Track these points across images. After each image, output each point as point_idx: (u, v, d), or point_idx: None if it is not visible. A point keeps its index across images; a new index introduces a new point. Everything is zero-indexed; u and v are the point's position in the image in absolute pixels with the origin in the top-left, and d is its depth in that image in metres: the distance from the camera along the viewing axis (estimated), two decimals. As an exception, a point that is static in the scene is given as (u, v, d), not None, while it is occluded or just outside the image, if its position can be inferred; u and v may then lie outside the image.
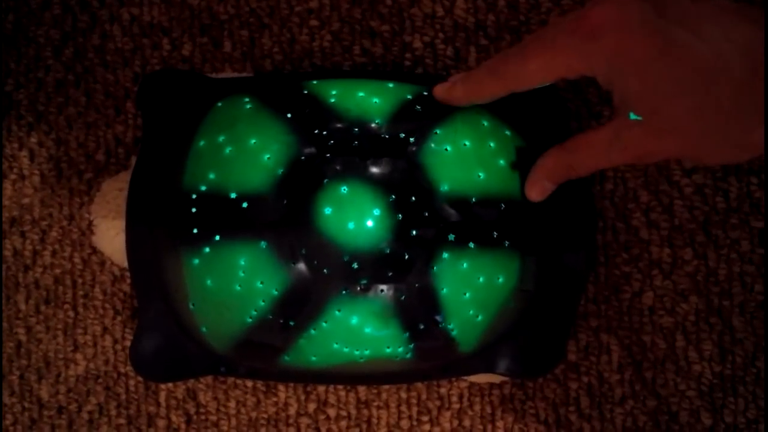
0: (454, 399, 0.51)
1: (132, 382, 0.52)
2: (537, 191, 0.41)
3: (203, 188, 0.41)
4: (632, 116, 0.34)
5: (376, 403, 0.51)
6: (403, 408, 0.51)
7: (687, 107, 0.33)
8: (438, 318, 0.41)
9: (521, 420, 0.50)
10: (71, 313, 0.52)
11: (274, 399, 0.51)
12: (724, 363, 0.49)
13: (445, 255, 0.39)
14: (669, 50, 0.32)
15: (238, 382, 0.51)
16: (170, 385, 0.52)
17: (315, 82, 0.44)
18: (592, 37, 0.34)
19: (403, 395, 0.51)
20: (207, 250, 0.40)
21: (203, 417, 0.51)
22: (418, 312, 0.40)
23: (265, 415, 0.51)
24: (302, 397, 0.51)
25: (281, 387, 0.51)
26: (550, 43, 0.36)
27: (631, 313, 0.50)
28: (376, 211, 0.38)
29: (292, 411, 0.51)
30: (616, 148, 0.36)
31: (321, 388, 0.51)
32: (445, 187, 0.40)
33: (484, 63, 0.39)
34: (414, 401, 0.51)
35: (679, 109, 0.33)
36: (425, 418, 0.51)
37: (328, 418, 0.51)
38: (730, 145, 0.34)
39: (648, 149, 0.35)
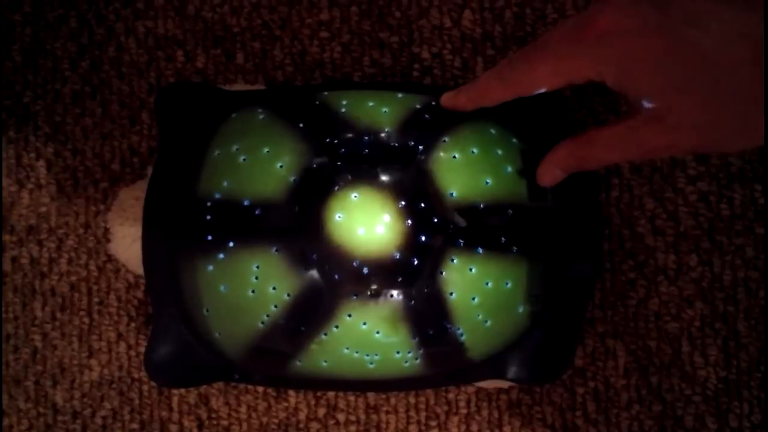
0: (462, 404, 0.51)
1: (145, 388, 0.53)
2: (548, 178, 0.41)
3: (218, 196, 0.42)
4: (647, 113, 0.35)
5: (384, 408, 0.52)
6: (412, 413, 0.51)
7: (700, 102, 0.34)
8: (447, 323, 0.41)
9: (528, 425, 0.51)
10: (86, 320, 0.53)
11: (285, 404, 0.52)
12: (729, 368, 0.50)
13: (454, 260, 0.40)
14: (676, 49, 0.33)
15: (249, 387, 0.52)
16: (183, 390, 0.52)
17: (326, 93, 0.44)
18: (600, 43, 0.35)
19: (412, 400, 0.51)
20: (221, 256, 0.41)
21: (215, 422, 0.52)
22: (428, 317, 0.41)
23: (276, 420, 0.52)
24: (312, 402, 0.52)
25: (291, 392, 0.52)
26: (557, 50, 0.36)
27: (636, 319, 0.50)
28: (386, 218, 0.39)
29: (302, 416, 0.52)
30: (632, 144, 0.37)
31: (331, 393, 0.52)
32: (453, 194, 0.40)
33: (491, 69, 0.40)
34: (422, 406, 0.51)
35: (692, 105, 0.34)
36: (433, 423, 0.51)
37: (337, 423, 0.52)
38: (744, 133, 0.34)
39: (664, 144, 0.36)
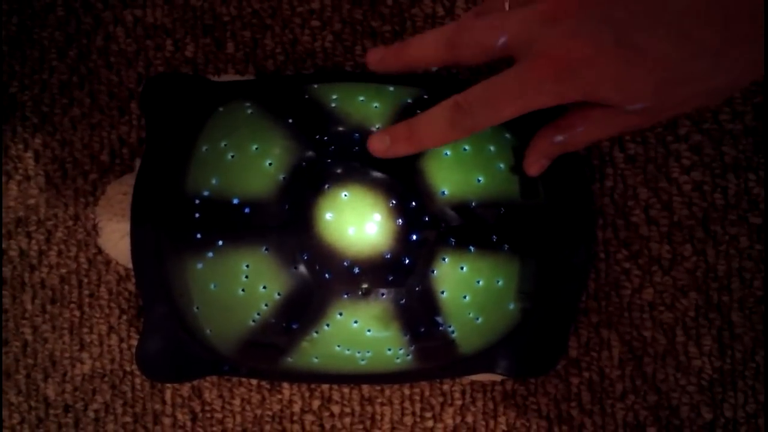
0: (457, 395, 0.51)
1: (138, 381, 0.52)
2: (536, 169, 0.41)
3: (206, 193, 0.41)
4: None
5: (379, 400, 0.51)
6: (407, 404, 0.51)
7: (674, 95, 0.34)
8: (438, 320, 0.41)
9: (523, 416, 0.51)
10: (77, 313, 0.53)
11: (279, 396, 0.52)
12: (723, 358, 0.50)
13: (445, 259, 0.40)
14: (635, 62, 0.32)
15: (243, 380, 0.52)
16: (176, 383, 0.52)
17: (316, 86, 0.44)
18: (562, 77, 0.34)
19: (407, 392, 0.51)
20: (210, 255, 0.41)
21: (208, 415, 0.52)
22: (419, 315, 0.41)
23: (270, 413, 0.52)
24: (306, 395, 0.52)
25: (286, 384, 0.52)
26: (520, 91, 0.35)
27: (631, 309, 0.50)
28: (377, 217, 0.39)
29: (296, 408, 0.52)
30: (612, 125, 0.37)
31: (325, 385, 0.51)
32: (444, 192, 0.40)
33: (436, 110, 0.37)
34: (417, 398, 0.51)
35: (667, 98, 0.34)
36: (428, 415, 0.51)
37: (332, 415, 0.52)
38: (717, 96, 0.34)
39: (646, 122, 0.37)
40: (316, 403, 0.52)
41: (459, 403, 0.51)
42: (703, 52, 0.32)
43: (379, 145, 0.39)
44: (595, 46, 0.33)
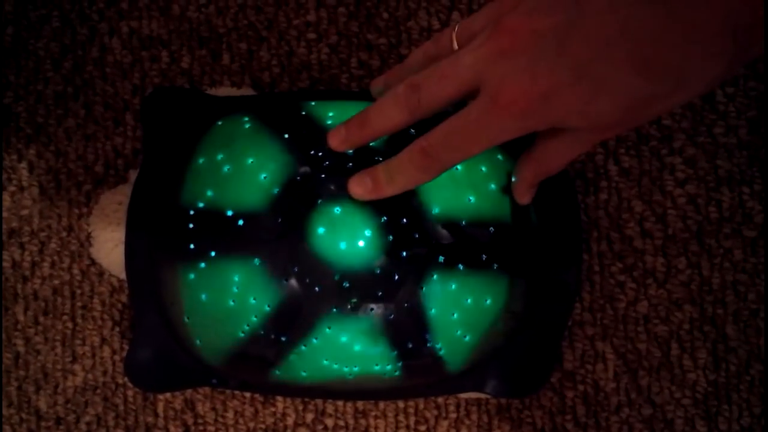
0: (451, 408, 0.51)
1: (130, 393, 0.52)
2: (527, 197, 0.41)
3: (201, 205, 0.41)
4: None
5: (373, 413, 0.51)
6: (401, 417, 0.51)
7: (643, 115, 0.34)
8: (426, 337, 0.41)
9: (518, 429, 0.51)
10: (70, 324, 0.52)
11: (272, 409, 0.51)
12: (718, 371, 0.50)
13: (435, 276, 0.40)
14: (600, 93, 0.32)
15: (236, 392, 0.51)
16: (168, 395, 0.52)
17: (313, 103, 0.44)
18: (525, 115, 0.33)
19: (401, 405, 0.51)
20: (202, 265, 0.41)
21: (201, 428, 0.52)
22: (407, 331, 0.41)
23: (263, 426, 0.51)
24: (300, 408, 0.51)
25: (279, 397, 0.51)
26: (481, 131, 0.35)
27: (626, 322, 0.50)
28: (368, 232, 0.39)
29: (290, 421, 0.51)
30: (583, 145, 0.37)
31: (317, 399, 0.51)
32: (436, 210, 0.40)
33: (404, 156, 0.37)
34: (411, 411, 0.51)
35: (635, 118, 0.34)
36: (423, 428, 0.51)
37: (326, 428, 0.51)
38: (683, 102, 0.34)
39: (613, 135, 0.38)
40: (309, 417, 0.51)
41: (453, 416, 0.51)
42: (665, 74, 0.31)
43: (359, 189, 0.39)
44: (554, 83, 0.32)
